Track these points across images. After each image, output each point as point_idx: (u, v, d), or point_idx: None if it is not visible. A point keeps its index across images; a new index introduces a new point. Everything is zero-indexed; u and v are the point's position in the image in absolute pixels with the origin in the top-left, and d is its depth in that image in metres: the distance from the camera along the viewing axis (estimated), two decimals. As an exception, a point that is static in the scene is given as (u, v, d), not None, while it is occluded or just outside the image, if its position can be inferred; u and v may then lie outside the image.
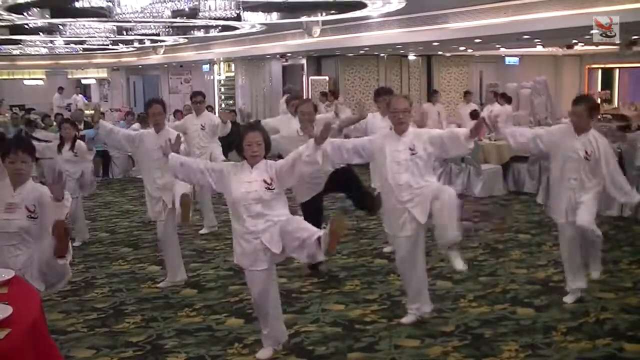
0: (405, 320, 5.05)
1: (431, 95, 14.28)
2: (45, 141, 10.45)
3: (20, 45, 17.80)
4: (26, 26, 13.26)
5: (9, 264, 3.77)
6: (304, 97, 6.94)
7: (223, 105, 21.45)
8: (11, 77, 25.55)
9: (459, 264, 4.79)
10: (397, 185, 4.79)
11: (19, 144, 4.00)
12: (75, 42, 16.98)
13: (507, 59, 20.05)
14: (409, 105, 4.91)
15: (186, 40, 17.18)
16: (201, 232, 8.18)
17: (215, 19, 10.89)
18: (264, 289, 4.35)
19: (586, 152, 5.09)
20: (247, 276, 4.41)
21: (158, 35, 14.00)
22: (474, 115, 11.74)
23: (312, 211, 6.11)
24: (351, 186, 6.52)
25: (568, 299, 5.40)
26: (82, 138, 8.12)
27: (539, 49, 17.82)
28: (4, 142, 4.14)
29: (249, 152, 4.28)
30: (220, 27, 13.43)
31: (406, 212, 4.79)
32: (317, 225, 4.41)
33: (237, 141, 4.37)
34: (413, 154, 4.77)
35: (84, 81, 26.87)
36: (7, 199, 3.89)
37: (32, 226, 3.90)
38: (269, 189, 4.23)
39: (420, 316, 5.04)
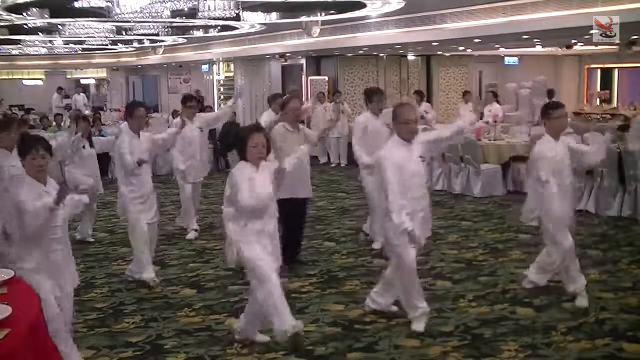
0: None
1: (464, 94, 14.36)
2: None
3: (19, 45, 17.82)
4: (25, 26, 13.26)
5: (52, 257, 4.01)
6: (288, 97, 7.17)
7: (222, 106, 21.44)
8: (10, 77, 25.57)
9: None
10: (417, 196, 4.78)
11: (37, 142, 4.12)
12: (75, 42, 16.99)
13: (506, 59, 20.05)
14: (416, 112, 5.06)
15: (185, 40, 17.19)
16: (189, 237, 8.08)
17: (214, 19, 10.89)
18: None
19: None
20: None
21: (157, 35, 14.00)
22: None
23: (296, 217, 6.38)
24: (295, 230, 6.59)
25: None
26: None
27: (538, 49, 17.82)
28: (23, 142, 4.30)
29: (254, 153, 4.33)
30: (219, 27, 13.44)
31: (424, 220, 4.88)
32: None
33: (239, 142, 4.39)
34: (423, 161, 4.87)
35: (83, 81, 26.88)
36: (45, 196, 3.97)
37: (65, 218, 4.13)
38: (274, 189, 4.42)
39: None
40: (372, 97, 7.17)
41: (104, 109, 21.31)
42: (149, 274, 6.04)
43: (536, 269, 5.78)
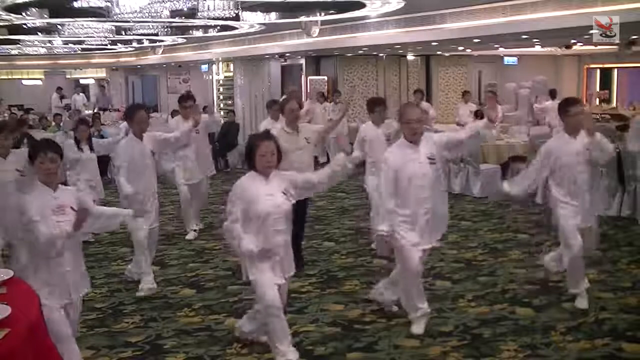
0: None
1: (463, 94, 14.37)
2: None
3: (18, 45, 17.78)
4: (25, 26, 13.23)
5: (62, 264, 3.87)
6: (285, 100, 7.07)
7: (222, 105, 21.44)
8: (10, 77, 25.54)
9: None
10: (420, 198, 4.71)
11: (45, 145, 3.98)
12: (74, 42, 16.96)
13: (505, 59, 20.04)
14: (420, 113, 4.87)
15: (185, 40, 17.16)
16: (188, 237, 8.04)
17: (213, 18, 10.87)
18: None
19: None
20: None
21: (157, 35, 13.98)
22: (478, 114, 11.75)
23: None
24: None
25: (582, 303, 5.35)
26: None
27: (538, 49, 17.81)
28: (32, 146, 4.18)
29: (263, 163, 4.14)
30: (218, 27, 13.42)
31: (429, 224, 4.76)
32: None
33: (247, 151, 4.22)
34: (432, 163, 4.72)
35: (82, 81, 26.86)
36: (52, 202, 3.86)
37: None
38: (289, 200, 4.22)
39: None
40: (374, 107, 7.11)
41: (109, 109, 21.29)
42: (146, 285, 5.89)
43: (551, 257, 5.74)
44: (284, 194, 4.20)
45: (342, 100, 14.34)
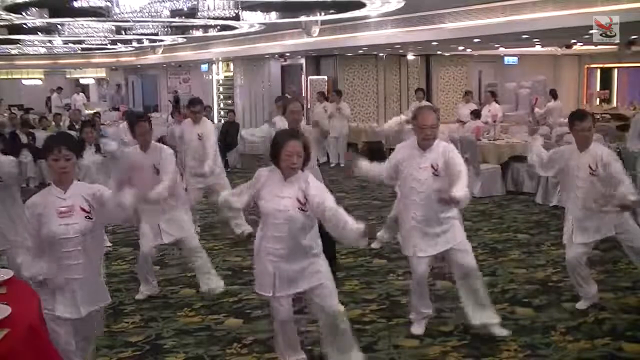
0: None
1: (465, 94, 14.28)
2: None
3: (18, 45, 17.79)
4: (25, 26, 13.24)
5: (69, 272, 3.54)
6: (292, 98, 6.87)
7: (222, 105, 21.45)
8: (10, 76, 25.56)
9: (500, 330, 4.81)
10: (411, 200, 4.66)
11: (60, 140, 3.58)
12: (74, 42, 16.97)
13: (506, 58, 20.06)
14: (436, 119, 4.64)
15: (185, 40, 17.17)
16: None
17: (213, 18, 10.88)
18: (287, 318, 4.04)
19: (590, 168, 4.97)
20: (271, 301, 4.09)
21: (157, 34, 14.00)
22: (476, 114, 11.76)
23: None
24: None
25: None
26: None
27: (538, 48, 17.83)
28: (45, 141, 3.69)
29: (288, 163, 3.78)
30: (218, 27, 13.42)
31: (419, 232, 4.66)
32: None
33: (272, 146, 3.88)
34: (435, 174, 4.55)
35: (82, 81, 26.89)
36: (57, 203, 3.52)
37: (91, 227, 3.57)
38: (302, 209, 3.81)
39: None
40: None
41: (119, 109, 21.32)
42: (147, 292, 5.87)
43: None
44: (299, 201, 3.81)
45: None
